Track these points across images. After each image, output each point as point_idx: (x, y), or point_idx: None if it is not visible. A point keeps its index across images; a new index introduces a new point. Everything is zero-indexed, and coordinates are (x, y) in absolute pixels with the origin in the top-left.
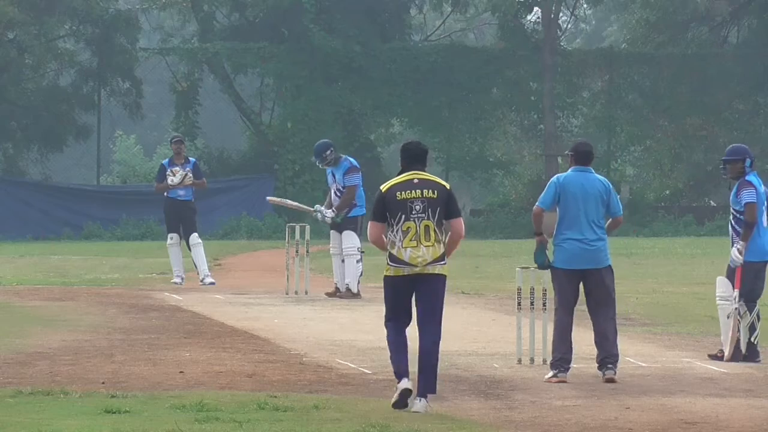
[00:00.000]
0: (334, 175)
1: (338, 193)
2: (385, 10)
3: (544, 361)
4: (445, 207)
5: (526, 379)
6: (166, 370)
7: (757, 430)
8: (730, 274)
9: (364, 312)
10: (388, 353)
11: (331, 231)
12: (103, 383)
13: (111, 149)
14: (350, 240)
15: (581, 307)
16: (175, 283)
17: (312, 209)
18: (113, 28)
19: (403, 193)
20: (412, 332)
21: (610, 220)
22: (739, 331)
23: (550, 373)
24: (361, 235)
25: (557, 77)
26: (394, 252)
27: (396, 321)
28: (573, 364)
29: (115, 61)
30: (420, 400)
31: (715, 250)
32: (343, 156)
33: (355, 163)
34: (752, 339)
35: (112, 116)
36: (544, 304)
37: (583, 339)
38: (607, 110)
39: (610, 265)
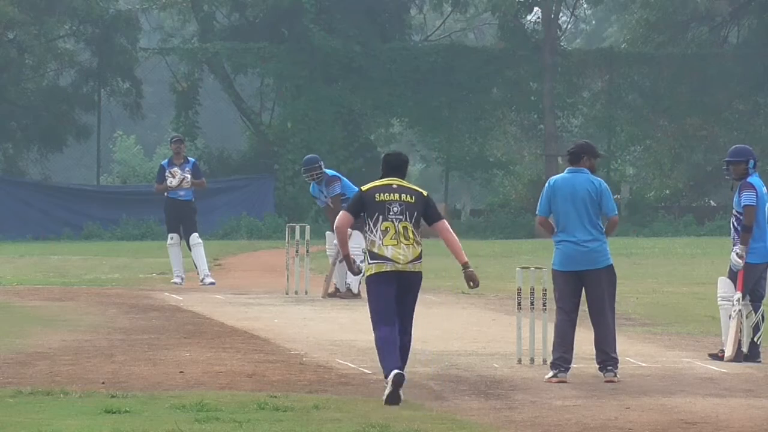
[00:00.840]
0: (321, 191)
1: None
2: (385, 10)
3: (544, 361)
4: (423, 212)
5: (526, 379)
6: (166, 370)
7: (757, 430)
8: (732, 275)
9: (364, 312)
10: (378, 357)
11: (327, 232)
12: (103, 383)
13: (111, 149)
14: (356, 240)
15: (582, 308)
16: (175, 283)
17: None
18: (113, 28)
19: (381, 195)
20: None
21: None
22: (741, 331)
23: (550, 373)
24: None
25: (557, 77)
26: (375, 250)
27: (386, 323)
28: (573, 364)
29: (115, 61)
30: None
31: (716, 250)
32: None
33: (333, 173)
34: (755, 339)
35: (112, 116)
36: (544, 304)
37: (584, 339)
38: (607, 110)
39: (610, 266)
